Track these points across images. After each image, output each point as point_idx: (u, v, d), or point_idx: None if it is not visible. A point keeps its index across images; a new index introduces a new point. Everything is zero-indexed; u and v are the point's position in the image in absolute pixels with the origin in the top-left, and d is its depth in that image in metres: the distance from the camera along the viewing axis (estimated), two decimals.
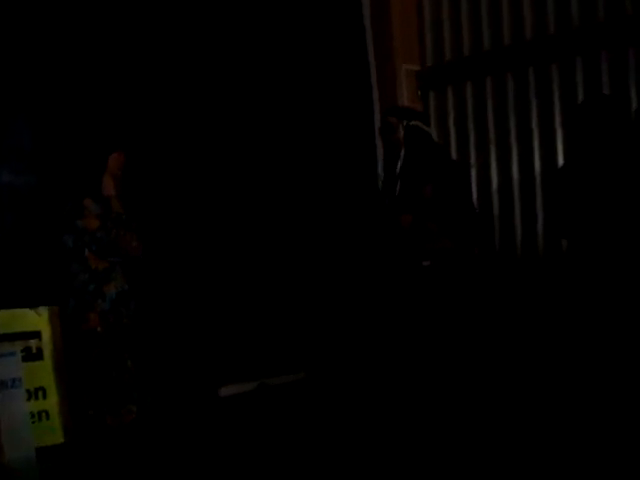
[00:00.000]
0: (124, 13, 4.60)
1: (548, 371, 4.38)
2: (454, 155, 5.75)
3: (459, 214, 4.51)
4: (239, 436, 4.22)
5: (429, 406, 4.30)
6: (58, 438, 3.92)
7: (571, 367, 3.82)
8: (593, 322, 3.70)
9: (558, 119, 5.38)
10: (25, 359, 3.86)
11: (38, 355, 3.92)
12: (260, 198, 4.94)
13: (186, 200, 4.68)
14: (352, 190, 5.30)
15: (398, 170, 4.57)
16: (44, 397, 3.90)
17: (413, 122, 4.54)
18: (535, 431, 3.88)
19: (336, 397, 4.68)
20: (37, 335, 3.93)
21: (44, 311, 3.97)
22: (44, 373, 3.90)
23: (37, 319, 3.96)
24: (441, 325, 4.44)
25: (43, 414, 3.89)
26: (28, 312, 3.95)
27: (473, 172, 5.63)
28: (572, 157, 4.26)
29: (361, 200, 5.20)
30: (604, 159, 3.89)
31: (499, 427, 3.90)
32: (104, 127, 4.36)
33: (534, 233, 5.42)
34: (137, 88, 4.64)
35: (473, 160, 5.58)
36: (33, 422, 3.83)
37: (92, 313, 3.90)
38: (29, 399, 3.84)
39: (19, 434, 3.71)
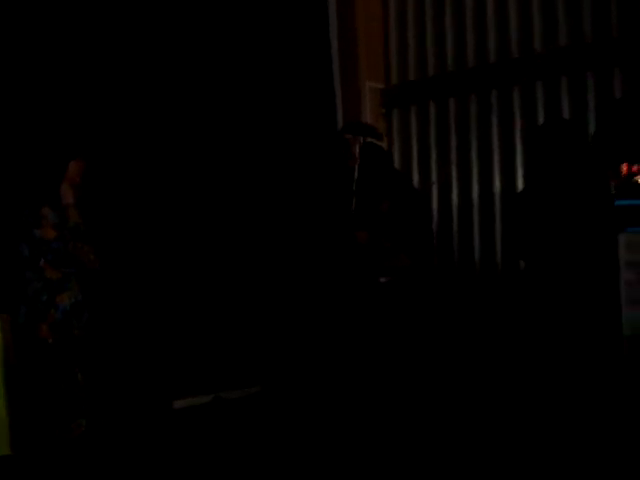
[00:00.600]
0: (82, 17, 4.49)
1: (502, 386, 4.38)
2: (415, 173, 5.75)
3: (416, 230, 4.51)
4: (192, 449, 4.17)
5: (380, 421, 4.29)
6: (4, 450, 3.84)
7: (525, 383, 3.84)
8: (547, 338, 3.71)
9: (519, 141, 5.42)
10: None
11: None
12: (218, 215, 4.90)
13: (143, 212, 4.61)
14: (314, 204, 5.26)
15: (354, 186, 4.61)
16: None
17: (369, 139, 4.59)
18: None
19: (292, 411, 4.65)
20: None
21: None
22: None
23: None
24: (398, 340, 4.41)
25: None
26: None
27: (434, 190, 5.63)
28: (531, 180, 4.28)
29: (322, 215, 5.17)
30: (562, 183, 3.91)
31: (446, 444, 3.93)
32: (64, 133, 4.29)
33: (493, 252, 5.43)
34: (98, 94, 4.55)
35: (434, 178, 5.61)
36: None
37: (44, 324, 3.85)
38: None
39: None
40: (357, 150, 4.56)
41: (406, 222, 4.55)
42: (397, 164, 5.67)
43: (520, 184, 5.34)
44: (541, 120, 5.25)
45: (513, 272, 5.21)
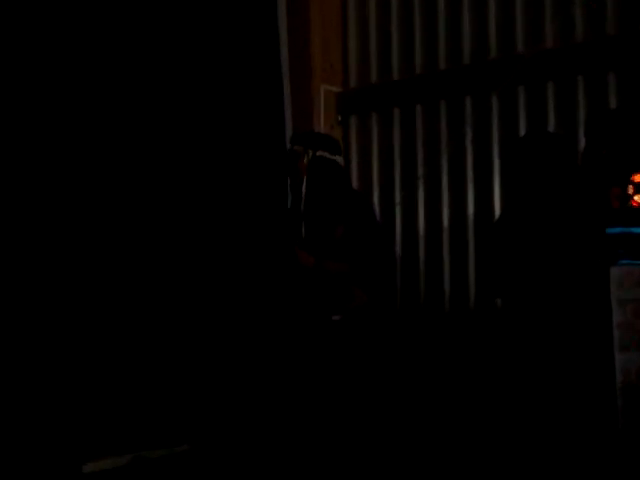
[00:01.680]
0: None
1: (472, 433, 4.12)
2: (376, 192, 5.17)
3: (375, 261, 4.03)
4: None
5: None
6: None
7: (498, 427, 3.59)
8: (529, 389, 3.42)
9: (496, 156, 4.82)
10: None
11: None
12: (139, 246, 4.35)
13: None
14: (260, 225, 4.66)
15: (302, 207, 4.10)
16: None
17: (320, 152, 4.09)
18: None
19: (223, 472, 4.12)
20: None
21: None
22: None
23: None
24: (353, 389, 3.94)
25: None
26: None
27: (398, 212, 5.03)
28: (510, 204, 3.88)
29: (268, 239, 4.56)
30: (546, 207, 3.56)
31: None
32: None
33: (465, 287, 4.85)
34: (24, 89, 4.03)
35: (398, 199, 4.99)
36: None
37: None
38: None
39: None
40: (305, 164, 4.03)
41: (363, 250, 4.02)
42: (355, 181, 5.10)
43: (497, 207, 4.77)
44: (523, 132, 4.70)
45: (488, 311, 4.66)
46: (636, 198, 3.64)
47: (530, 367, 3.48)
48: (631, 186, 3.64)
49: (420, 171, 4.95)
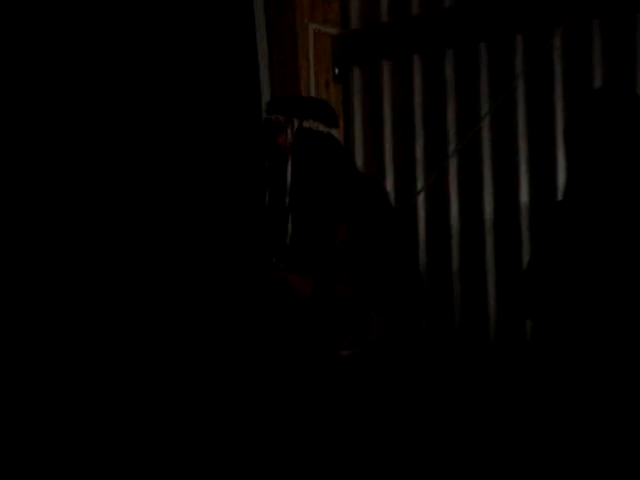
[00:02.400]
0: None
1: None
2: (390, 174, 4.01)
3: (394, 273, 3.13)
4: None
5: None
6: None
7: None
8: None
9: (559, 126, 3.61)
10: None
11: None
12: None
13: None
14: (220, 234, 3.89)
15: (287, 200, 3.15)
16: None
17: (307, 123, 3.17)
18: None
19: None
20: None
21: None
22: None
23: None
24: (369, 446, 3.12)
25: None
26: None
27: (421, 203, 3.86)
28: (572, 189, 3.08)
29: (240, 250, 3.77)
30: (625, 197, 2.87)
31: None
32: None
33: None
34: None
35: (421, 184, 3.83)
36: None
37: None
38: None
39: None
40: (289, 140, 3.10)
41: (378, 260, 3.13)
42: (359, 161, 3.97)
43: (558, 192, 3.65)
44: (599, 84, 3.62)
45: (514, 338, 3.73)
46: None
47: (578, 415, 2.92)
48: None
49: (452, 144, 3.75)
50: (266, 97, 3.87)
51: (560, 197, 3.36)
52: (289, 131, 3.15)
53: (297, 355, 3.26)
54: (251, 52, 3.85)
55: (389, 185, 3.95)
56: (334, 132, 3.17)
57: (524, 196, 3.73)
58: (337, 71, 4.01)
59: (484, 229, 3.81)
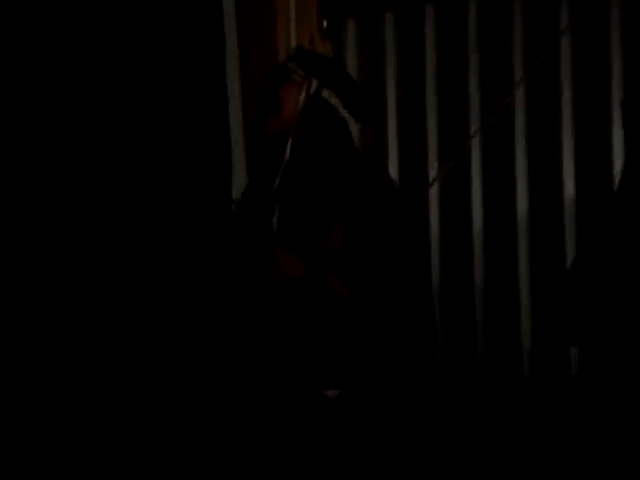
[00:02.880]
0: None
1: None
2: (394, 161, 3.19)
3: (399, 285, 2.47)
4: None
5: None
6: None
7: None
8: None
9: (617, 91, 2.88)
10: None
11: None
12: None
13: None
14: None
15: (276, 184, 2.49)
16: None
17: (327, 93, 2.51)
18: None
19: None
20: None
21: None
22: None
23: None
24: None
25: None
26: None
27: (434, 197, 3.07)
28: (632, 176, 2.38)
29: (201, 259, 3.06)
30: None
31: None
32: None
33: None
34: None
35: (435, 173, 3.04)
36: None
37: None
38: None
39: None
40: (300, 101, 2.46)
41: (377, 274, 2.46)
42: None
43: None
44: None
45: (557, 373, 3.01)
46: None
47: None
48: None
49: (475, 122, 2.96)
50: (231, 53, 3.06)
51: (616, 188, 2.69)
52: (302, 91, 2.46)
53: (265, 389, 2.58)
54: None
55: (393, 173, 3.12)
56: (350, 123, 2.49)
57: (569, 188, 2.97)
58: (325, 24, 3.24)
59: (516, 230, 3.08)
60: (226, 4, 2.99)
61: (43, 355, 3.68)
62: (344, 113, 2.56)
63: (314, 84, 2.52)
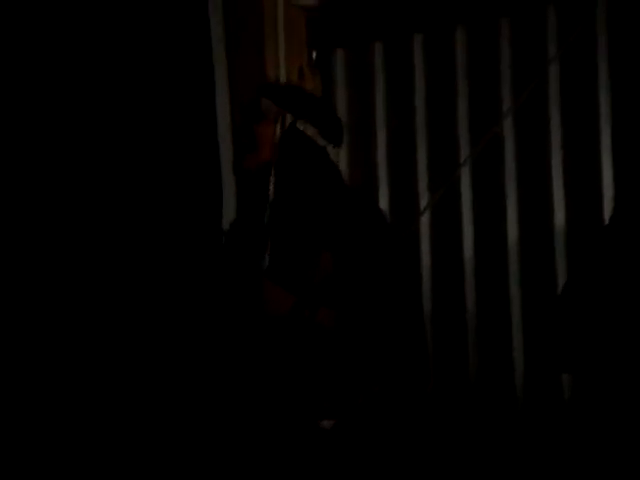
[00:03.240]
0: None
1: None
2: (384, 189, 3.20)
3: (393, 319, 2.48)
4: None
5: None
6: None
7: None
8: None
9: (605, 124, 2.89)
10: None
11: None
12: None
13: None
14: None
15: (265, 220, 2.50)
16: None
17: (302, 125, 2.51)
18: None
19: None
20: None
21: None
22: None
23: None
24: None
25: None
26: None
27: (425, 225, 3.08)
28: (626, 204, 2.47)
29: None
30: None
31: None
32: None
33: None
34: None
35: (426, 201, 3.05)
36: None
37: None
38: None
39: None
40: (275, 135, 2.48)
41: (368, 300, 2.45)
42: (343, 172, 2.90)
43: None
44: None
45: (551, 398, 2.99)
46: None
47: None
48: None
49: (465, 150, 2.99)
50: (221, 86, 3.06)
51: (608, 218, 2.70)
52: (277, 126, 2.47)
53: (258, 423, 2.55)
54: (202, 29, 3.05)
55: (383, 204, 3.15)
56: (330, 150, 2.49)
57: (559, 215, 2.98)
58: (315, 55, 3.27)
59: (507, 257, 3.07)
60: (215, 38, 3.01)
61: (43, 355, 3.67)
62: (322, 141, 2.57)
63: (288, 117, 2.53)
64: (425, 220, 3.11)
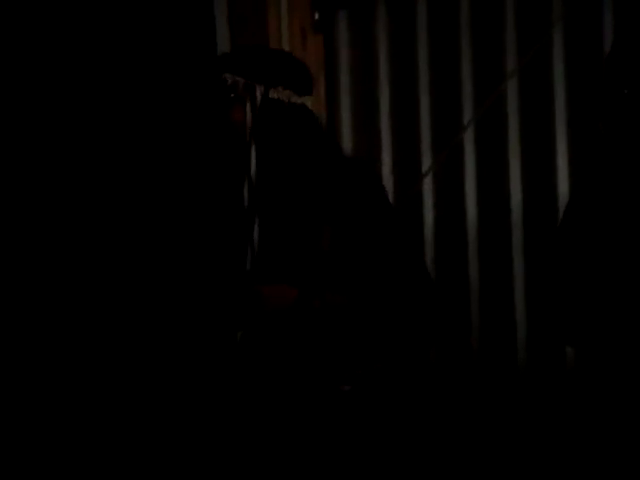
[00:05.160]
0: None
1: None
2: (387, 153, 3.20)
3: (398, 287, 2.47)
4: None
5: None
6: None
7: None
8: None
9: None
10: None
11: None
12: None
13: None
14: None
15: (246, 197, 2.41)
16: None
17: (275, 92, 2.39)
18: None
19: None
20: None
21: None
22: None
23: None
24: None
25: None
26: None
27: (427, 190, 3.10)
28: (610, 167, 2.42)
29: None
30: None
31: None
32: None
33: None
34: None
35: (428, 165, 3.08)
36: None
37: None
38: None
39: None
40: (248, 115, 2.34)
41: (373, 270, 2.45)
42: (345, 138, 3.16)
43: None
44: None
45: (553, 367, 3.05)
46: None
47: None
48: None
49: (468, 112, 3.00)
50: (223, 50, 3.00)
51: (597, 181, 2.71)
52: (248, 103, 2.36)
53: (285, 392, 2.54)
54: None
55: (386, 168, 3.17)
56: (307, 101, 2.39)
57: (563, 176, 3.01)
58: (317, 16, 3.22)
59: (510, 223, 3.09)
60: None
61: (43, 355, 3.70)
62: (297, 99, 2.46)
63: (259, 89, 2.40)
64: (428, 182, 3.13)
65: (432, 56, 3.16)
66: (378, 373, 2.57)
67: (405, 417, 2.68)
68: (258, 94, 2.38)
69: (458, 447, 3.30)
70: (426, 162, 3.16)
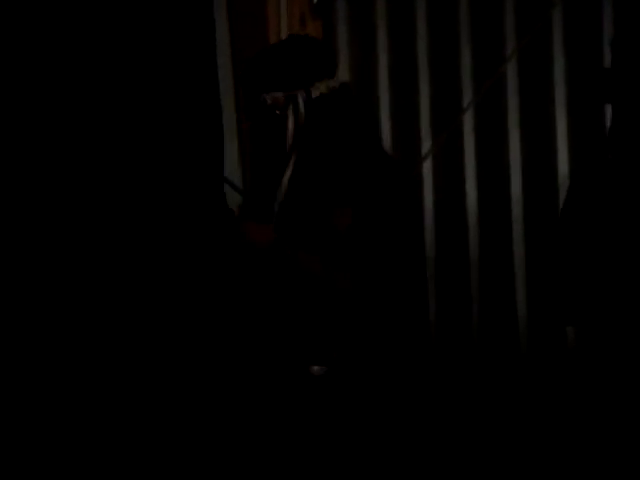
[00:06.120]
0: None
1: None
2: (386, 135, 3.19)
3: (402, 269, 2.41)
4: None
5: None
6: None
7: None
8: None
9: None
10: None
11: None
12: None
13: None
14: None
15: (285, 185, 2.36)
16: None
17: (320, 87, 2.33)
18: None
19: None
20: None
21: None
22: None
23: None
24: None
25: None
26: None
27: (428, 172, 3.12)
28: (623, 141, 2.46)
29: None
30: None
31: None
32: None
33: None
34: None
35: (427, 147, 3.09)
36: None
37: None
38: None
39: None
40: (290, 125, 2.30)
41: (384, 254, 2.39)
42: None
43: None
44: None
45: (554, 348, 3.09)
46: None
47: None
48: None
49: (468, 94, 3.03)
50: (221, 35, 3.03)
51: (606, 156, 2.73)
52: (290, 115, 2.30)
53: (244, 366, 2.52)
54: None
55: (385, 145, 3.09)
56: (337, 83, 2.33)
57: (563, 159, 3.05)
58: (316, 1, 3.18)
59: (510, 204, 3.12)
60: None
61: (43, 355, 3.63)
62: (333, 83, 2.39)
63: (300, 95, 2.35)
64: (428, 164, 3.16)
65: (431, 40, 3.17)
66: (356, 358, 2.46)
67: (402, 400, 2.59)
68: (300, 100, 2.35)
69: (458, 432, 3.29)
70: (426, 145, 3.18)
